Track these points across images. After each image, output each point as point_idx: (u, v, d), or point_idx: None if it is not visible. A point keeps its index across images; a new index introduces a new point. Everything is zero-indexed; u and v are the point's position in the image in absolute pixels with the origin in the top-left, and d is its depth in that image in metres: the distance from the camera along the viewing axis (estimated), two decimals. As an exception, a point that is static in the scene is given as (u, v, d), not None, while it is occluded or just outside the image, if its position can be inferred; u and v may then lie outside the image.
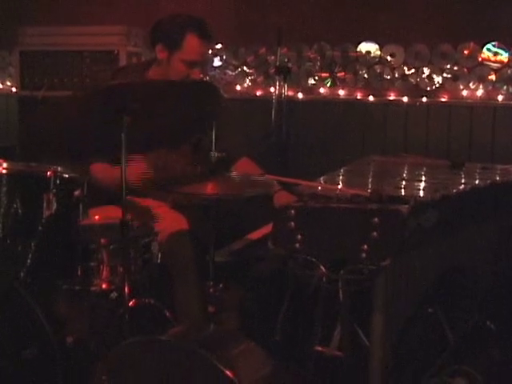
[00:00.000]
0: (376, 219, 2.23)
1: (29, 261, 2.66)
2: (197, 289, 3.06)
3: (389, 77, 4.79)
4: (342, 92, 4.89)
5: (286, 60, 4.90)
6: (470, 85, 4.62)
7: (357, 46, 4.85)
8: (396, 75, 4.78)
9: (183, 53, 3.24)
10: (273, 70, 4.63)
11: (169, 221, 3.18)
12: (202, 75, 3.35)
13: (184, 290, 3.08)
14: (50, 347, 2.58)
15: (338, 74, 4.90)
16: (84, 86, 4.93)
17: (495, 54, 4.57)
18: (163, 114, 2.67)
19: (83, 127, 2.58)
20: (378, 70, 4.81)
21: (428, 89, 4.70)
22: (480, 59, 4.60)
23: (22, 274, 2.66)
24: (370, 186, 2.68)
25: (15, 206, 2.65)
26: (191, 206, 3.26)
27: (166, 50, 3.26)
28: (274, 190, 3.35)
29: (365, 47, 4.83)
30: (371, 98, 4.81)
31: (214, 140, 2.79)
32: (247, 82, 5.11)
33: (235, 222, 3.33)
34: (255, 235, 3.11)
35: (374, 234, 2.23)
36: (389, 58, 4.78)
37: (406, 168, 3.25)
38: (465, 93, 4.63)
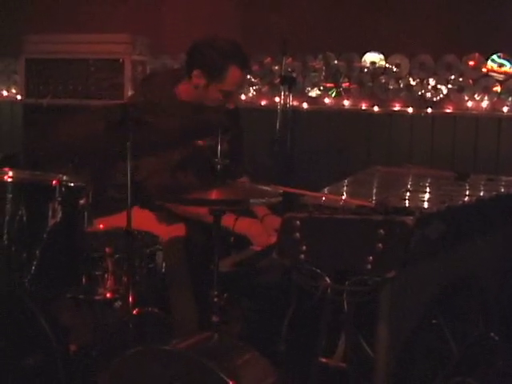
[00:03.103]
0: (381, 230, 2.23)
1: (33, 269, 2.66)
2: (191, 296, 3.07)
3: (394, 87, 4.79)
4: (346, 102, 4.89)
5: (290, 70, 4.90)
6: (475, 96, 4.62)
7: (362, 57, 4.85)
8: (401, 86, 4.78)
9: (224, 84, 3.20)
10: (278, 80, 4.63)
11: (165, 229, 3.18)
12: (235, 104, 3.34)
13: (178, 296, 3.08)
14: (54, 355, 2.58)
15: (343, 85, 4.90)
16: (92, 95, 4.94)
17: (500, 65, 4.57)
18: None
19: (90, 138, 2.59)
20: (383, 81, 4.81)
21: (433, 99, 4.70)
22: (485, 70, 4.60)
23: (26, 282, 2.66)
24: (374, 197, 2.68)
25: (20, 214, 2.65)
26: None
27: (204, 77, 3.21)
28: (262, 214, 3.35)
29: (370, 57, 4.84)
30: (376, 109, 4.81)
31: (219, 148, 2.78)
32: (252, 92, 5.11)
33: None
34: (260, 245, 3.10)
35: (380, 245, 2.22)
36: (394, 69, 4.79)
37: (410, 179, 3.25)
38: (470, 104, 4.63)
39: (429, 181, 3.17)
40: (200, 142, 3.25)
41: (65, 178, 2.74)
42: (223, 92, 3.23)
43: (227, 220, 3.01)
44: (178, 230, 3.24)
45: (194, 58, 3.25)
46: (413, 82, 4.75)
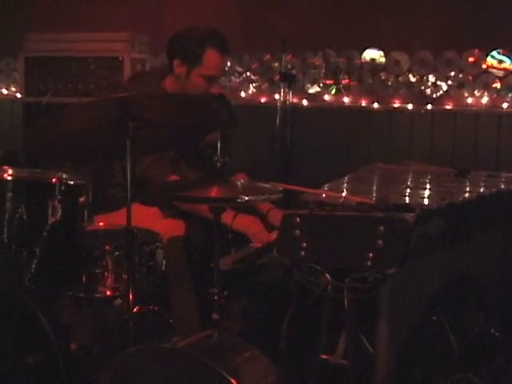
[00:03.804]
0: (381, 227, 2.23)
1: (33, 267, 2.65)
2: (192, 295, 3.07)
3: (393, 84, 4.79)
4: (346, 99, 4.89)
5: (290, 67, 4.90)
6: (475, 92, 4.62)
7: (361, 53, 4.85)
8: (401, 82, 4.77)
9: (203, 68, 3.24)
10: (277, 77, 4.63)
11: (165, 226, 3.17)
12: (220, 89, 3.34)
13: (178, 294, 3.08)
14: (54, 354, 2.58)
15: (343, 81, 4.89)
16: (91, 93, 4.94)
17: (500, 61, 4.56)
18: (172, 123, 2.66)
19: (89, 132, 2.58)
20: (383, 77, 4.81)
21: (433, 96, 4.70)
22: (485, 66, 4.59)
23: (26, 281, 2.65)
24: (374, 194, 2.68)
25: (20, 212, 2.64)
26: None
27: (184, 65, 3.26)
28: (267, 209, 3.35)
29: (369, 54, 4.83)
30: (376, 106, 4.81)
31: (219, 145, 2.77)
32: (252, 89, 5.10)
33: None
34: (259, 243, 3.10)
35: (380, 242, 2.23)
36: (394, 66, 4.78)
37: (410, 176, 3.25)
38: (469, 100, 4.63)
39: (429, 177, 3.17)
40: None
41: (65, 176, 2.73)
42: (205, 77, 3.26)
43: (226, 217, 3.01)
44: (178, 228, 3.24)
45: (173, 49, 3.32)
46: (413, 79, 4.75)
